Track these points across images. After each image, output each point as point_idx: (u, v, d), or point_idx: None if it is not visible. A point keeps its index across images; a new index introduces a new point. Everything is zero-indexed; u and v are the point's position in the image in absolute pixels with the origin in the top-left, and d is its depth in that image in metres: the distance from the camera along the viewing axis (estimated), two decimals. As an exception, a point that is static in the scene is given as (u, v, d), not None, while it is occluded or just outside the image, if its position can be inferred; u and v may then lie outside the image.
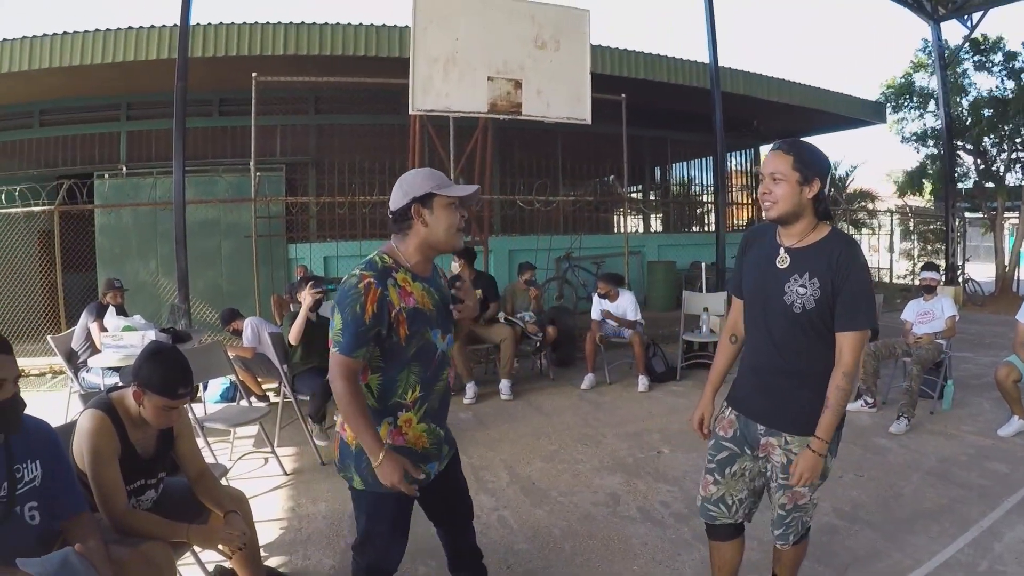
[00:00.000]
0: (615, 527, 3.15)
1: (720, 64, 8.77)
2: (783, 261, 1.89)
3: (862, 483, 3.64)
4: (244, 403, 4.33)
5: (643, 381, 5.88)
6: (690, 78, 10.59)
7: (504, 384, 5.68)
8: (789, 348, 1.90)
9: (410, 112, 6.43)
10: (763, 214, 1.94)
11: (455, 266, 5.77)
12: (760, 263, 1.97)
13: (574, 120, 6.92)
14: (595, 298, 6.36)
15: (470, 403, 5.46)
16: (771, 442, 1.97)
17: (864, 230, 15.61)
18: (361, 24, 8.65)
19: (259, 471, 3.99)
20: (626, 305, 6.11)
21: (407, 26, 6.72)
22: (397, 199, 1.82)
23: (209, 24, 8.29)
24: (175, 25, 7.18)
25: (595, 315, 6.24)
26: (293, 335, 4.35)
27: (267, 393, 5.42)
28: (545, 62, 6.62)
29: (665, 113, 12.59)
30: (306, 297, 4.43)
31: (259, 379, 5.23)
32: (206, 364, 3.89)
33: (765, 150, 12.01)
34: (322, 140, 10.77)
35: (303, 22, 8.50)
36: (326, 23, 8.57)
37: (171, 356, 2.11)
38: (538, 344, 6.30)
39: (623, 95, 8.20)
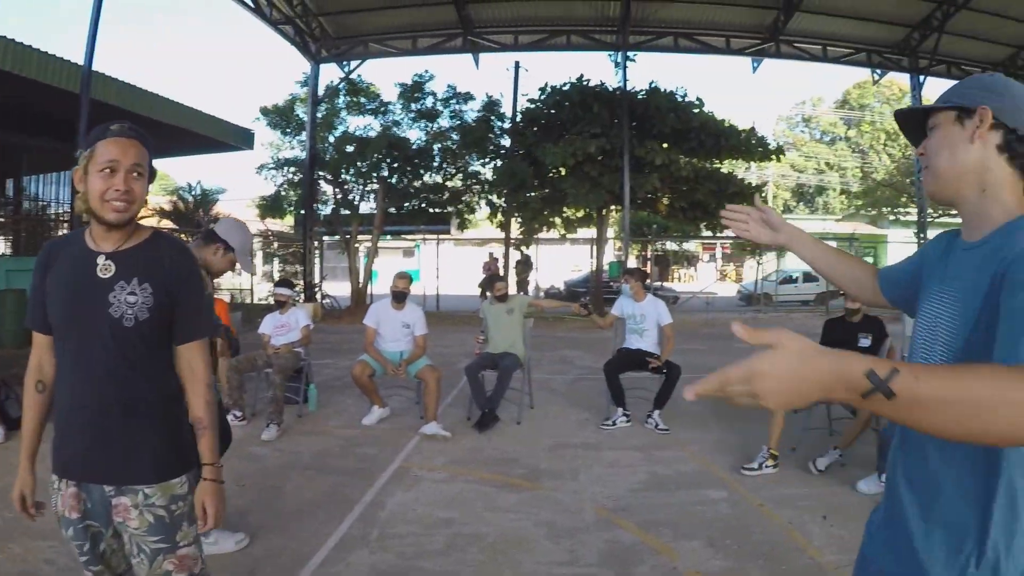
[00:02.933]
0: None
1: (95, 69, 7.80)
2: (106, 269, 1.58)
3: (245, 492, 3.73)
4: None
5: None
6: (60, 79, 9.09)
7: None
8: (123, 375, 1.58)
9: None
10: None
11: None
12: (71, 279, 1.59)
13: None
14: None
15: None
16: (124, 503, 1.58)
17: None
18: None
19: None
20: None
21: None
22: None
23: None
24: None
25: None
26: None
27: None
28: None
29: (24, 117, 10.50)
30: None
31: None
32: None
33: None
34: None
35: None
36: None
37: None
38: None
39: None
